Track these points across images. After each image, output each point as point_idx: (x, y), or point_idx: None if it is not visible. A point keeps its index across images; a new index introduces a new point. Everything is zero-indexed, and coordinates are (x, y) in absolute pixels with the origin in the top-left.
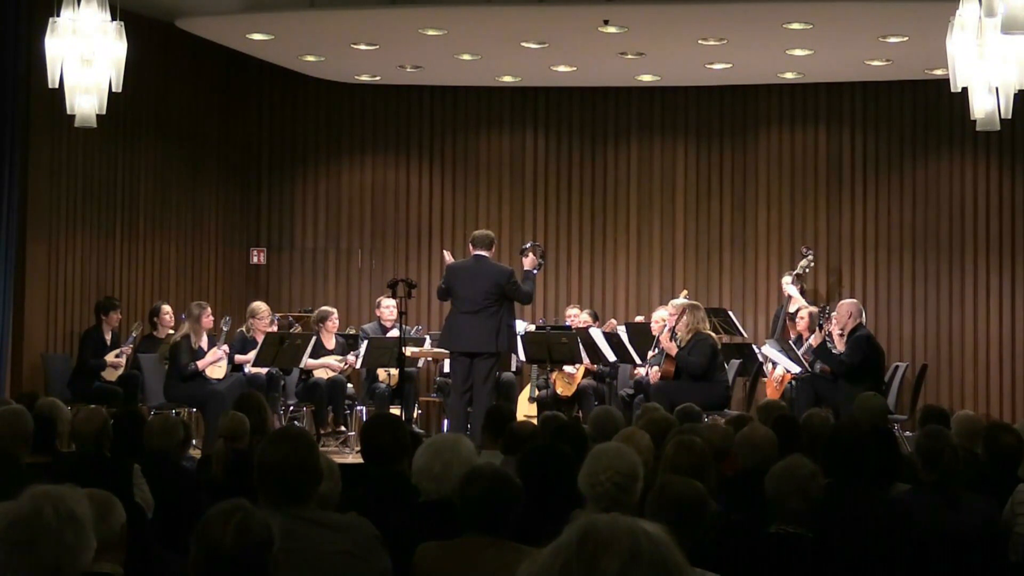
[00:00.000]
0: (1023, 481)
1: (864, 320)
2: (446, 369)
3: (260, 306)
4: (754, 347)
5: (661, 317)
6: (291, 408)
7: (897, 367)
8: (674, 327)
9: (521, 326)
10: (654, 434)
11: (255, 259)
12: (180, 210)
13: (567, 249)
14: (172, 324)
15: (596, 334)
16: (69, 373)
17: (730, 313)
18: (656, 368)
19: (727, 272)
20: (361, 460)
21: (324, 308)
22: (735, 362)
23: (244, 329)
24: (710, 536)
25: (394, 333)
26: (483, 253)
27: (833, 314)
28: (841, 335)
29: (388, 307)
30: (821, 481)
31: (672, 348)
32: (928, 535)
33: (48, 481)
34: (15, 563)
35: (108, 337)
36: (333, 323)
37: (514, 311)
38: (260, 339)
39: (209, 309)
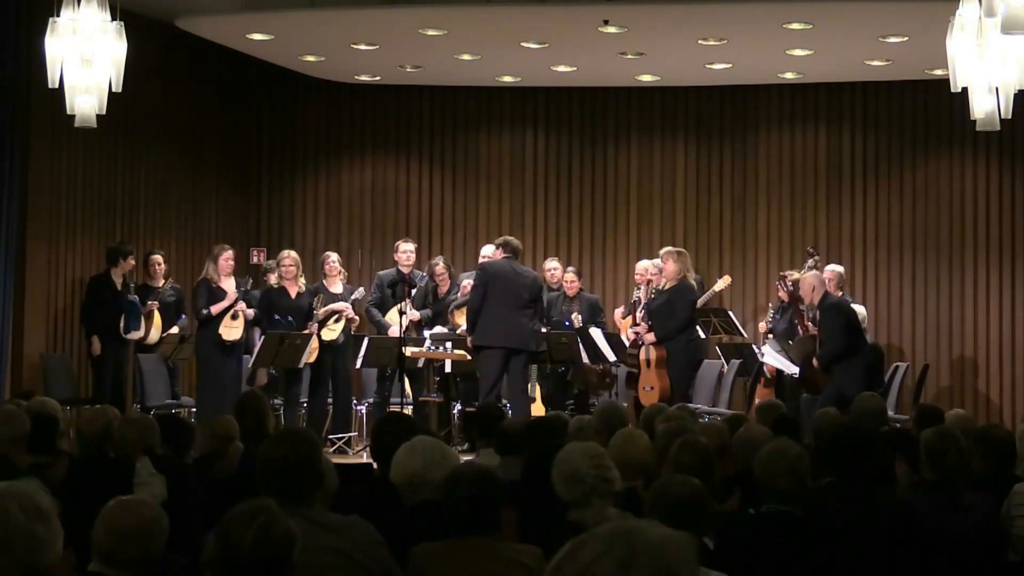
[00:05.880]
0: (1020, 480)
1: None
2: (447, 369)
3: (284, 253)
4: (754, 347)
5: (644, 268)
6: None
7: (897, 367)
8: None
9: None
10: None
11: (255, 259)
12: (180, 210)
13: (567, 249)
14: (165, 272)
15: (596, 334)
16: (68, 369)
17: (730, 313)
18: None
19: (727, 272)
20: (361, 460)
21: (324, 253)
22: (735, 362)
23: (272, 283)
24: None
25: (400, 324)
26: (516, 260)
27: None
28: (803, 311)
29: (406, 252)
30: (808, 461)
31: (650, 338)
32: (928, 533)
33: (50, 482)
34: None
35: (119, 282)
36: (331, 266)
37: None
38: (289, 289)
39: (231, 251)
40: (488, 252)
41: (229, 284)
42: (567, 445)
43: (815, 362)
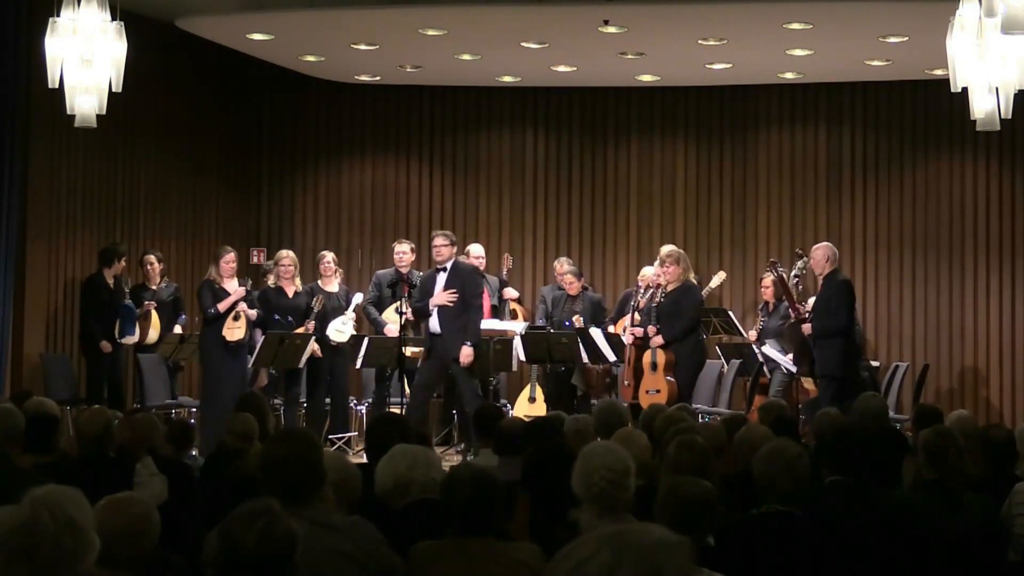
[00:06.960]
0: (1020, 480)
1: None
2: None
3: (282, 252)
4: (754, 347)
5: (649, 276)
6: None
7: (897, 367)
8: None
9: (521, 326)
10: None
11: (255, 259)
12: (180, 210)
13: (567, 249)
14: (161, 272)
15: (596, 334)
16: (68, 370)
17: (730, 313)
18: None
19: (727, 272)
20: (361, 460)
21: (320, 252)
22: (735, 362)
23: (270, 283)
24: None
25: (394, 329)
26: None
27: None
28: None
29: (400, 253)
30: (807, 461)
31: (658, 340)
32: (928, 533)
33: (49, 482)
34: (14, 571)
35: (112, 283)
36: (326, 265)
37: None
38: (287, 288)
39: (233, 253)
40: (479, 252)
41: (232, 285)
42: (601, 443)
43: (805, 329)
